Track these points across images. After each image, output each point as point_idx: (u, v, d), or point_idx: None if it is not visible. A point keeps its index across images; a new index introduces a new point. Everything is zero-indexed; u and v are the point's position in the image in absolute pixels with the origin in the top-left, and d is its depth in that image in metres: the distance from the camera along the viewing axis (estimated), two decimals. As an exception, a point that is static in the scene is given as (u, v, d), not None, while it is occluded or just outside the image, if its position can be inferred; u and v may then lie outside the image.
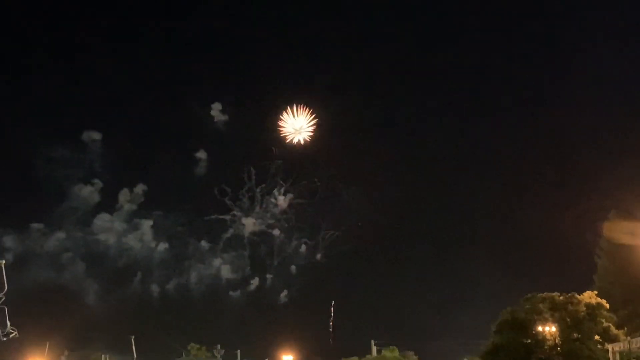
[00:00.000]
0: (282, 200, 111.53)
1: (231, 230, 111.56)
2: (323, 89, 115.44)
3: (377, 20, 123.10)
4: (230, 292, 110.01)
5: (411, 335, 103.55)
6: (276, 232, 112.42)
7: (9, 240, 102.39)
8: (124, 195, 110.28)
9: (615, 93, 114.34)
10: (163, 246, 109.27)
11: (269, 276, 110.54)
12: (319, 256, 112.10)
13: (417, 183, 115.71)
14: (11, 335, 39.46)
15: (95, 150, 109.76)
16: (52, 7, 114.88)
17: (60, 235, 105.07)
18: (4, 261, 39.32)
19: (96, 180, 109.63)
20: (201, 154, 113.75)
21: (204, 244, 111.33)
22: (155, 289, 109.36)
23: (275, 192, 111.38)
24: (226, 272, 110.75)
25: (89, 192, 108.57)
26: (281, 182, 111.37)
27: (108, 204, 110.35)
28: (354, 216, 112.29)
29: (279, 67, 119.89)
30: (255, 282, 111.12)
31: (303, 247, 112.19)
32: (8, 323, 39.41)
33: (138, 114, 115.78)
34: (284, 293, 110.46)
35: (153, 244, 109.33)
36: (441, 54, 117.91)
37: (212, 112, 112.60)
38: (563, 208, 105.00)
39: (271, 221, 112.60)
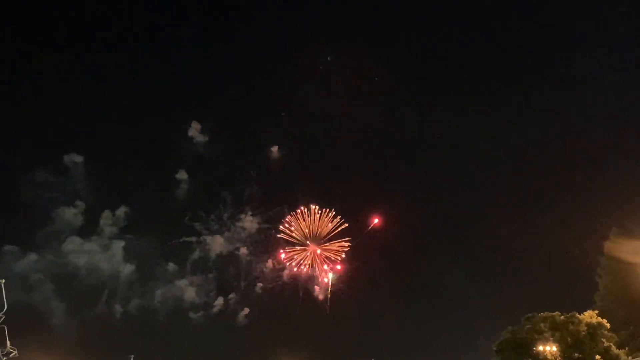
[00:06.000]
0: (250, 224, 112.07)
1: (198, 252, 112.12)
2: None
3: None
4: (192, 314, 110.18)
5: (408, 356, 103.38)
6: (243, 253, 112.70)
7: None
8: (105, 218, 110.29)
9: (619, 111, 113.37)
10: (130, 268, 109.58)
11: (232, 296, 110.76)
12: (284, 274, 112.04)
13: (404, 201, 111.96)
14: (11, 355, 39.28)
15: (77, 173, 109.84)
16: (33, 31, 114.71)
17: (32, 257, 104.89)
18: (3, 280, 39.07)
19: (79, 203, 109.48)
20: (182, 175, 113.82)
21: (171, 265, 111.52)
22: (118, 309, 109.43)
23: (243, 216, 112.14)
24: (191, 293, 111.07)
25: (71, 215, 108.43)
26: (250, 206, 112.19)
27: (90, 226, 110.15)
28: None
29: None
30: (219, 302, 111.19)
31: (268, 269, 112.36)
32: (8, 343, 39.28)
33: (119, 135, 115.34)
34: (246, 312, 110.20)
35: (122, 266, 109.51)
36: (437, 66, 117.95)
37: (190, 133, 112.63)
38: (564, 226, 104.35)
39: (238, 244, 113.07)
